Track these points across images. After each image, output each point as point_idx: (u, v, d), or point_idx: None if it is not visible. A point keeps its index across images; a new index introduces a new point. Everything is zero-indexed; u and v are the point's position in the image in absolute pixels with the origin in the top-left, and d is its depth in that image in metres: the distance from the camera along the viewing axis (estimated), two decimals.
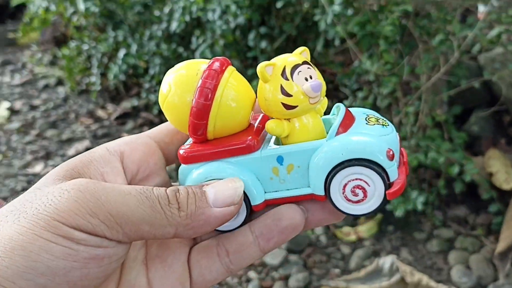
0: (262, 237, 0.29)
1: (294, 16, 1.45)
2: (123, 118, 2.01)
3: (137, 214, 0.24)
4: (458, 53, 1.12)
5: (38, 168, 1.73)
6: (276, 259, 1.23)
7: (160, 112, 1.49)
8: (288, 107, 0.28)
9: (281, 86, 0.28)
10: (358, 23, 1.14)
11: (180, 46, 1.66)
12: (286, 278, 1.19)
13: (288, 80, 0.28)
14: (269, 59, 0.32)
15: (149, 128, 0.35)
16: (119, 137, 0.33)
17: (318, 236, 1.33)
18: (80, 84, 2.34)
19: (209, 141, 0.30)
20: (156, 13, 1.71)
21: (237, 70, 0.31)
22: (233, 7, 1.37)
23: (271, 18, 1.47)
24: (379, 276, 1.19)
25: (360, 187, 0.28)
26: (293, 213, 0.29)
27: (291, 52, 0.31)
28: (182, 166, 0.31)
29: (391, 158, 0.27)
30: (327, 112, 0.33)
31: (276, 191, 0.30)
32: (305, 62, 0.29)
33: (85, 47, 2.04)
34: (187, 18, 1.53)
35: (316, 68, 0.29)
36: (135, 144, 0.31)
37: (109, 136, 1.91)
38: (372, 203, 0.28)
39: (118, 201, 0.24)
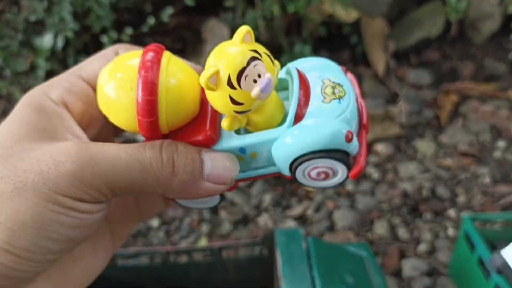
0: None
1: None
2: None
3: (128, 179, 0.24)
4: None
5: None
6: None
7: None
8: (241, 112, 0.26)
9: (230, 96, 0.25)
10: None
11: None
12: None
13: (236, 89, 0.25)
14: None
15: None
16: None
17: None
18: None
19: (166, 136, 0.28)
20: None
21: None
22: None
23: None
24: None
25: (323, 172, 0.27)
26: None
27: None
28: None
29: (349, 140, 0.26)
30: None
31: (244, 171, 0.29)
32: (251, 60, 0.25)
33: None
34: None
35: (262, 52, 0.26)
36: (75, 93, 0.29)
37: None
38: (337, 178, 0.28)
39: (110, 169, 0.24)
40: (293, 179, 0.29)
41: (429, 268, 0.87)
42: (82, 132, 0.28)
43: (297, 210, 1.02)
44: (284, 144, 0.27)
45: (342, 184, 0.29)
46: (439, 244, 0.92)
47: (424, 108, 1.28)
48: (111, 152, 0.24)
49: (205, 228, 0.98)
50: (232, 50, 0.25)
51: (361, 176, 1.10)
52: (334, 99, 0.27)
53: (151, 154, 0.25)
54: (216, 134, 0.28)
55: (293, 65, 0.30)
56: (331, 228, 0.98)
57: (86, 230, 0.25)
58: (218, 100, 0.25)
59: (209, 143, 0.27)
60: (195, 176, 0.26)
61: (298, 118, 0.27)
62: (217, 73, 0.24)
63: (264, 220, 1.00)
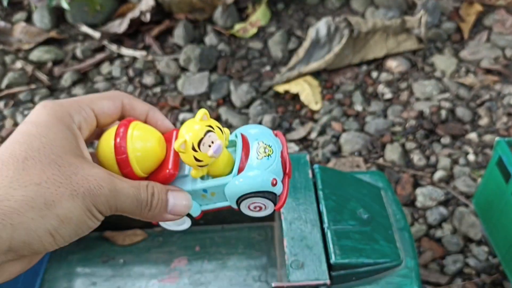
0: None
1: None
2: None
3: (128, 209, 0.36)
4: None
5: None
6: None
7: None
8: (202, 166, 0.38)
9: (194, 156, 0.37)
10: None
11: None
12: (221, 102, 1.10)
13: (197, 151, 0.37)
14: None
15: None
16: None
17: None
18: None
19: (145, 178, 0.40)
20: None
21: None
22: None
23: None
24: (320, 47, 1.10)
25: (259, 206, 0.39)
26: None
27: None
28: None
29: (274, 185, 0.38)
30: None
31: (207, 204, 0.41)
32: (206, 132, 0.37)
33: None
34: None
35: (214, 126, 0.38)
36: (87, 123, 0.40)
37: None
38: (268, 210, 0.40)
39: (123, 201, 0.36)
40: (239, 211, 0.40)
41: (446, 198, 0.79)
42: (89, 154, 0.38)
43: (299, 133, 0.92)
44: (232, 188, 0.38)
45: (271, 215, 0.41)
46: (458, 172, 0.83)
47: (444, 20, 1.15)
48: (127, 189, 0.36)
49: None
50: (194, 127, 0.37)
51: (372, 96, 0.99)
52: (264, 156, 0.39)
53: (143, 197, 0.36)
54: (176, 170, 0.39)
55: (239, 131, 0.42)
56: (338, 153, 0.88)
57: (91, 230, 0.35)
58: (186, 158, 0.37)
59: (172, 177, 0.39)
60: (162, 211, 0.38)
61: (240, 169, 0.38)
62: (185, 142, 0.36)
63: None
